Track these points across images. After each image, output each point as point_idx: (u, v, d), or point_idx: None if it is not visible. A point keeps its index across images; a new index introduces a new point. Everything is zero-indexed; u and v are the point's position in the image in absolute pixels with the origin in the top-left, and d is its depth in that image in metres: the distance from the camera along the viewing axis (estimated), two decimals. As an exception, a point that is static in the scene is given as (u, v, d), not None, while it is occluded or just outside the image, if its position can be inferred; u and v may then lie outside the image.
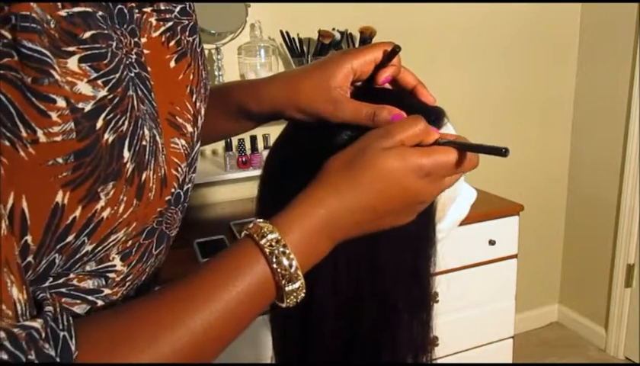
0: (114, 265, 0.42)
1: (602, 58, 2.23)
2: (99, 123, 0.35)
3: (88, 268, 0.40)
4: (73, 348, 0.32)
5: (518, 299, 1.92)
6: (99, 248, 0.39)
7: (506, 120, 2.26)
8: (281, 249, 0.39)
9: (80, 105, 0.34)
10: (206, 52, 1.70)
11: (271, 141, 1.75)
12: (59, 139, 0.33)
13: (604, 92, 2.24)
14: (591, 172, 2.35)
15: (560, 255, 2.56)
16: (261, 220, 0.40)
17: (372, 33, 1.73)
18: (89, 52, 0.35)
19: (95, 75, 0.35)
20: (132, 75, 0.41)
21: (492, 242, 1.80)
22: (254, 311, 0.40)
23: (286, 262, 0.39)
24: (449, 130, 0.53)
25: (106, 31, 0.37)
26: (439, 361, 1.83)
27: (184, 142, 0.47)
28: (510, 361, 1.98)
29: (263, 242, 0.39)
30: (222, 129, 0.62)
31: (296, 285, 0.40)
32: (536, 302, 2.53)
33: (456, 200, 0.55)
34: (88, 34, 0.35)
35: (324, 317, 0.50)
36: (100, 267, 0.41)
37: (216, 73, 1.68)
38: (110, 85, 0.36)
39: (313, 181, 0.43)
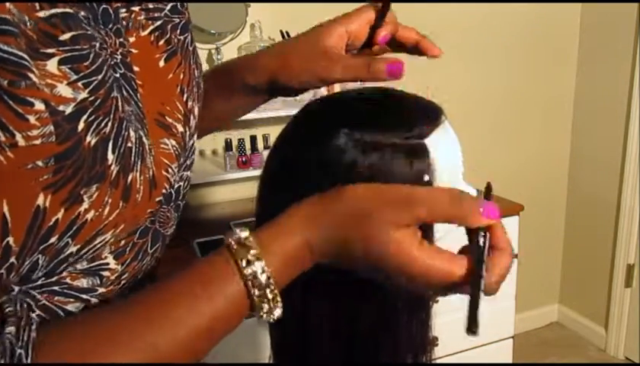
0: (107, 264, 0.42)
1: (602, 58, 2.23)
2: (80, 126, 0.35)
3: (79, 266, 0.40)
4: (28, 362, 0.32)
5: (518, 299, 1.92)
6: (85, 249, 0.39)
7: (506, 119, 2.26)
8: (263, 280, 0.37)
9: (60, 108, 0.33)
10: (206, 52, 1.71)
11: (271, 141, 1.75)
12: (38, 142, 0.32)
13: (604, 92, 2.24)
14: (591, 172, 2.35)
15: (560, 255, 2.56)
16: (248, 237, 0.38)
17: (372, 33, 1.73)
18: (69, 54, 0.34)
19: (75, 77, 0.35)
20: (117, 75, 0.41)
21: (492, 242, 1.80)
22: (227, 331, 0.39)
23: (265, 289, 0.38)
24: (447, 128, 0.53)
25: (89, 32, 0.36)
26: (439, 361, 1.83)
27: (174, 142, 0.47)
28: (510, 361, 1.98)
29: (247, 272, 0.37)
30: (224, 108, 0.61)
31: (276, 313, 0.39)
32: (536, 302, 2.53)
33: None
34: (67, 35, 0.34)
35: (322, 317, 0.50)
36: (92, 265, 0.41)
37: (216, 73, 1.68)
38: (92, 86, 0.36)
39: (317, 198, 0.41)
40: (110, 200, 0.38)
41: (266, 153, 1.74)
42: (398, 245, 0.38)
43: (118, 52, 0.42)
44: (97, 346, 0.34)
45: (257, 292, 0.37)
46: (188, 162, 0.51)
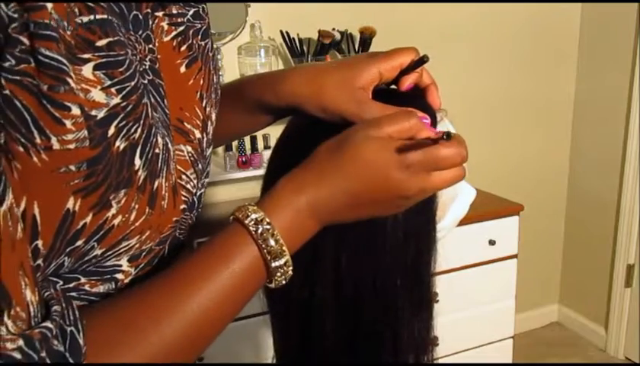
0: (120, 265, 0.42)
1: (602, 58, 2.23)
2: (111, 131, 0.35)
3: (93, 267, 0.40)
4: (81, 341, 0.32)
5: (518, 299, 1.92)
6: (109, 252, 0.39)
7: (506, 119, 2.26)
8: (266, 227, 0.40)
9: (93, 112, 0.34)
10: (206, 52, 1.70)
11: (271, 141, 1.75)
12: (72, 146, 0.33)
13: (604, 92, 2.24)
14: (591, 172, 2.35)
15: (560, 255, 2.56)
16: (247, 203, 0.41)
17: (372, 33, 1.73)
18: (104, 60, 0.35)
19: (109, 82, 0.35)
20: (146, 81, 0.41)
21: (492, 242, 1.80)
22: (248, 291, 0.41)
23: (272, 241, 0.40)
24: (446, 126, 0.53)
25: (123, 38, 0.37)
26: (439, 361, 1.83)
27: (190, 148, 0.47)
28: (510, 361, 1.98)
29: (247, 221, 0.39)
30: (238, 125, 0.60)
31: (282, 261, 0.40)
32: (536, 302, 2.53)
33: (457, 198, 0.55)
34: (104, 42, 0.35)
35: (325, 317, 0.50)
36: (108, 265, 0.41)
37: (216, 73, 1.68)
38: (125, 92, 0.36)
39: (302, 163, 0.44)
40: (136, 206, 0.38)
41: (266, 153, 1.75)
42: (382, 145, 0.42)
43: (147, 59, 0.42)
44: (140, 320, 0.36)
45: (264, 244, 0.39)
46: (207, 169, 0.51)
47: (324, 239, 0.48)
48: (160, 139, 0.40)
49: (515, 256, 1.87)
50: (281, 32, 1.72)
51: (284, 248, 0.40)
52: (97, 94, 0.34)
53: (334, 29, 1.73)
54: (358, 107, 0.47)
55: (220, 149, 1.77)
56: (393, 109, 0.47)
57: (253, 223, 0.40)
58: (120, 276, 0.42)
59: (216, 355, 1.51)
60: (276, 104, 0.53)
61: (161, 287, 0.38)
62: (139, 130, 0.38)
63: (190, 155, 0.47)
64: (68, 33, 0.33)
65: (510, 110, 2.25)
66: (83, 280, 0.40)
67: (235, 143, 1.70)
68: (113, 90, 0.35)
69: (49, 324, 0.31)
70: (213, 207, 1.82)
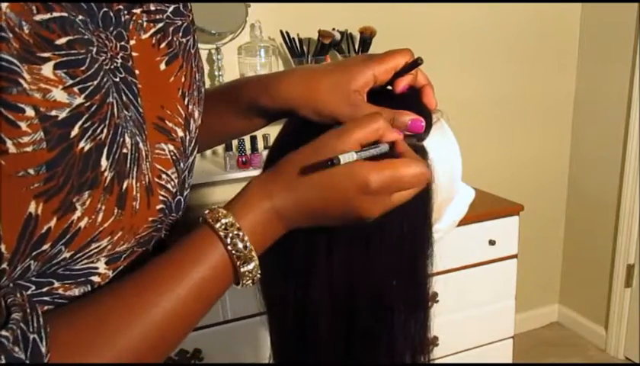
0: (97, 268, 0.41)
1: (602, 58, 2.23)
2: (74, 131, 0.34)
3: (68, 270, 0.40)
4: (44, 349, 0.32)
5: (518, 299, 1.92)
6: (78, 255, 0.39)
7: (506, 120, 2.26)
8: (235, 232, 0.40)
9: (53, 113, 0.33)
10: (206, 52, 1.70)
11: (271, 141, 1.75)
12: (29, 149, 0.32)
13: (604, 92, 2.24)
14: (591, 172, 2.35)
15: (560, 255, 2.56)
16: (217, 206, 0.42)
17: (372, 33, 1.73)
18: (65, 59, 0.34)
19: (71, 81, 0.34)
20: (117, 80, 0.40)
21: (492, 242, 1.80)
22: (216, 293, 0.42)
23: (240, 244, 0.40)
24: (444, 130, 0.53)
25: (86, 36, 0.36)
26: (439, 361, 1.84)
27: (172, 147, 0.46)
28: (510, 361, 1.98)
29: (218, 226, 0.40)
30: (232, 127, 0.60)
31: (251, 266, 0.41)
32: (536, 302, 2.53)
33: (454, 200, 0.55)
34: (64, 40, 0.34)
35: (320, 318, 0.50)
36: (82, 268, 0.41)
37: (216, 73, 1.68)
38: (88, 92, 0.35)
39: (271, 168, 0.45)
40: (103, 207, 0.38)
41: (266, 153, 1.75)
42: (347, 169, 0.42)
43: (119, 56, 0.41)
44: (108, 322, 0.36)
45: (232, 246, 0.40)
46: (189, 166, 0.50)
47: (318, 240, 0.48)
48: (128, 139, 0.40)
49: (515, 256, 1.87)
50: (281, 32, 1.72)
51: (253, 252, 0.41)
52: (58, 94, 0.33)
53: (334, 29, 1.73)
54: (352, 110, 0.47)
55: (220, 149, 1.77)
56: (388, 111, 0.47)
57: (223, 227, 0.40)
58: (96, 279, 0.41)
59: (215, 355, 1.51)
60: (271, 107, 0.53)
61: (129, 289, 0.39)
62: (105, 130, 0.37)
63: (172, 153, 0.46)
64: (26, 31, 0.32)
65: (510, 110, 2.25)
66: (56, 284, 0.39)
67: (235, 143, 1.70)
68: (75, 89, 0.34)
69: (3, 332, 0.30)
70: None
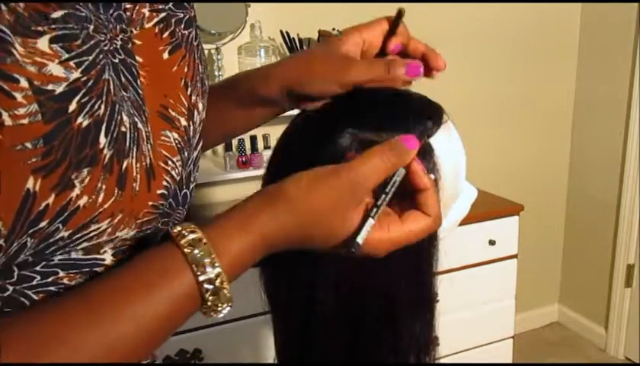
0: (104, 259, 0.41)
1: (602, 58, 2.23)
2: (72, 106, 0.34)
3: (74, 255, 0.40)
4: None
5: (518, 299, 1.92)
6: (77, 235, 0.38)
7: (506, 120, 2.26)
8: (217, 283, 0.38)
9: (50, 87, 0.33)
10: (206, 52, 1.70)
11: (271, 141, 1.75)
12: (25, 121, 0.32)
13: (604, 92, 2.24)
14: (591, 172, 2.35)
15: (560, 255, 2.56)
16: (199, 238, 0.38)
17: (373, 33, 1.73)
18: (60, 33, 0.34)
19: (67, 55, 0.34)
20: (117, 61, 0.40)
21: (492, 242, 1.80)
22: (174, 328, 0.39)
23: (218, 287, 0.38)
24: (450, 128, 0.53)
25: (82, 13, 0.36)
26: (439, 361, 1.83)
27: (176, 135, 0.46)
28: (510, 361, 1.98)
29: (200, 276, 0.37)
30: (235, 121, 0.60)
31: (225, 311, 0.39)
32: (536, 302, 2.53)
33: (458, 198, 0.55)
34: (59, 13, 0.34)
35: (326, 317, 0.50)
36: (88, 258, 0.40)
37: (216, 73, 1.68)
38: (84, 66, 0.35)
39: (270, 193, 0.42)
40: (103, 187, 0.37)
41: (266, 153, 1.75)
42: (353, 227, 0.42)
43: (118, 38, 0.41)
44: (46, 346, 0.34)
45: (210, 297, 0.38)
46: (194, 159, 0.51)
47: None
48: (126, 118, 0.39)
49: (515, 256, 1.87)
50: (281, 32, 1.72)
51: (229, 295, 0.39)
52: (55, 68, 0.33)
53: (334, 29, 1.73)
54: (347, 65, 0.48)
55: (220, 149, 1.77)
56: (379, 61, 0.48)
57: (206, 279, 0.37)
58: (99, 270, 0.41)
59: (215, 355, 1.51)
60: (268, 93, 0.54)
61: (80, 304, 0.36)
62: (103, 106, 0.37)
63: (176, 142, 0.46)
64: (21, 5, 0.32)
65: (510, 110, 2.25)
66: (61, 274, 0.39)
67: (234, 143, 1.69)
68: (72, 63, 0.34)
69: None
70: (213, 207, 1.82)
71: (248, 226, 0.40)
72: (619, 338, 2.30)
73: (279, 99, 0.54)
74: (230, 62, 1.72)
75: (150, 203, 0.43)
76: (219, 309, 0.39)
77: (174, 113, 0.46)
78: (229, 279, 0.39)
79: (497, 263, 1.84)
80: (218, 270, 0.38)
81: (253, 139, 1.71)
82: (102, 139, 0.36)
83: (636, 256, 2.21)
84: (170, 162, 0.45)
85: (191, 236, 0.38)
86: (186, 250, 0.37)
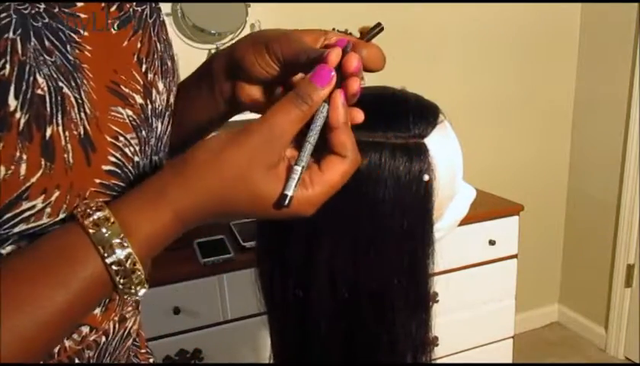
0: None
1: (602, 58, 2.23)
2: None
3: (23, 244, 0.38)
4: None
5: (518, 299, 1.92)
6: (9, 214, 0.36)
7: (506, 120, 2.26)
8: (128, 265, 0.36)
9: None
10: (206, 52, 1.70)
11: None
12: None
13: (604, 92, 2.24)
14: (591, 172, 2.35)
15: (560, 255, 2.56)
16: (106, 217, 0.36)
17: (372, 33, 1.73)
18: None
19: None
20: (39, 25, 0.38)
21: (492, 242, 1.80)
22: (86, 312, 0.38)
23: (129, 269, 0.36)
24: (446, 128, 0.53)
25: None
26: (439, 361, 1.84)
27: (130, 112, 0.44)
28: (510, 361, 1.98)
29: (107, 258, 0.35)
30: (211, 108, 0.55)
31: (141, 292, 0.38)
32: (536, 302, 2.53)
33: (455, 199, 0.55)
34: None
35: (320, 318, 0.50)
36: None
37: (216, 73, 1.68)
38: None
39: (180, 163, 0.39)
40: (24, 156, 0.35)
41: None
42: (279, 183, 0.38)
43: (41, 3, 0.39)
44: None
45: (121, 280, 0.36)
46: (162, 144, 0.49)
47: (318, 240, 0.48)
48: (42, 80, 0.37)
49: (515, 256, 1.87)
50: (281, 32, 1.72)
51: (143, 277, 0.37)
52: None
53: (334, 29, 1.73)
54: (289, 39, 0.44)
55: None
56: (313, 31, 0.44)
57: (114, 260, 0.35)
58: None
59: (215, 355, 1.51)
60: (220, 67, 0.51)
61: None
62: (8, 66, 0.34)
63: (130, 118, 0.44)
64: None
65: (510, 110, 2.25)
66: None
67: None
68: None
69: None
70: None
71: (159, 202, 0.37)
72: (619, 338, 2.30)
73: (230, 70, 0.51)
74: (230, 62, 1.72)
75: (97, 180, 0.41)
76: (132, 291, 0.37)
77: (127, 90, 0.44)
78: (142, 260, 0.36)
79: (497, 263, 1.84)
80: (128, 251, 0.35)
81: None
82: (12, 102, 0.34)
83: (636, 256, 2.21)
84: (122, 138, 0.43)
85: (97, 215, 0.35)
86: (90, 230, 0.35)
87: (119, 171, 0.42)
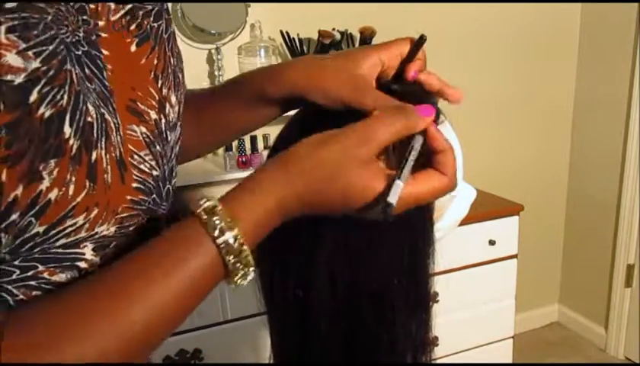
0: (83, 254, 0.41)
1: (602, 58, 2.23)
2: (33, 97, 0.34)
3: (53, 251, 0.39)
4: None
5: (518, 299, 1.92)
6: (53, 231, 0.38)
7: (506, 120, 2.26)
8: (235, 244, 0.38)
9: (8, 77, 0.33)
10: (206, 52, 1.71)
11: (271, 141, 1.75)
12: None
13: (604, 92, 2.24)
14: (591, 172, 2.35)
15: (560, 255, 2.56)
16: (218, 207, 0.39)
17: (373, 33, 1.73)
18: (17, 22, 0.33)
19: (24, 45, 0.34)
20: (80, 53, 0.40)
21: (492, 242, 1.80)
22: (201, 297, 0.40)
23: (233, 243, 0.38)
24: (446, 128, 0.53)
25: (40, 4, 0.36)
26: (439, 361, 1.84)
27: (144, 129, 0.46)
28: (510, 361, 1.98)
29: (220, 241, 0.38)
30: (239, 120, 0.59)
31: (249, 277, 0.40)
32: (536, 302, 2.53)
33: (455, 199, 0.55)
34: (14, 3, 0.34)
35: (321, 318, 0.50)
36: (67, 252, 0.40)
37: (216, 73, 1.68)
38: (44, 56, 0.35)
39: (281, 160, 0.42)
40: (73, 178, 0.37)
41: (266, 153, 1.74)
42: (372, 179, 0.41)
43: (80, 30, 0.41)
44: (72, 324, 0.34)
45: (231, 259, 0.38)
46: (175, 154, 0.50)
47: (318, 240, 0.48)
48: (92, 108, 0.39)
49: (515, 256, 1.87)
50: (281, 32, 1.72)
51: (249, 258, 0.39)
52: (12, 59, 0.33)
53: (334, 29, 1.73)
54: (358, 93, 0.47)
55: (220, 149, 1.77)
56: (394, 100, 0.47)
57: (218, 231, 0.38)
58: (82, 264, 0.41)
59: (215, 355, 1.51)
60: (277, 94, 0.53)
61: (105, 289, 0.36)
62: (66, 96, 0.36)
63: (144, 135, 0.46)
64: None
65: (510, 110, 2.25)
66: (41, 268, 0.39)
67: (234, 143, 1.69)
68: (30, 53, 0.34)
69: None
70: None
71: (263, 191, 0.40)
72: (619, 338, 2.30)
73: (284, 101, 0.54)
74: (230, 62, 1.72)
75: (128, 197, 0.43)
76: (242, 272, 0.39)
77: (143, 107, 0.46)
78: (249, 243, 0.39)
79: (497, 263, 1.84)
80: (235, 232, 0.38)
81: (253, 139, 1.71)
82: (67, 129, 0.36)
83: (636, 256, 2.21)
84: (136, 157, 0.45)
85: (207, 204, 0.39)
86: (203, 217, 0.38)
87: (143, 187, 0.45)
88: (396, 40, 0.51)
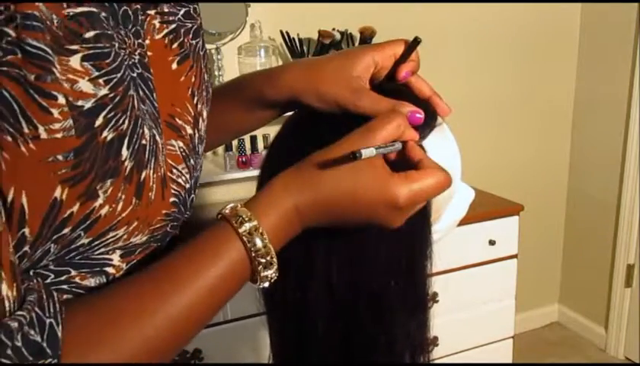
0: (111, 259, 0.42)
1: (602, 58, 2.23)
2: (98, 121, 0.36)
3: (82, 259, 0.41)
4: (60, 334, 0.32)
5: (518, 299, 1.92)
6: (96, 242, 0.40)
7: (506, 120, 2.26)
8: (258, 238, 0.40)
9: (79, 103, 0.35)
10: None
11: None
12: (59, 135, 0.33)
13: (604, 92, 2.24)
14: (591, 172, 2.35)
15: (560, 255, 2.56)
16: (239, 205, 0.42)
17: (373, 33, 1.73)
18: (92, 51, 0.35)
19: (97, 73, 0.36)
20: (135, 75, 0.42)
21: (492, 242, 1.80)
22: (232, 291, 0.42)
23: (259, 241, 0.40)
24: (444, 130, 0.53)
25: (109, 32, 0.38)
26: (439, 361, 1.84)
27: (181, 144, 0.47)
28: (510, 361, 1.98)
29: (242, 230, 0.40)
30: (238, 121, 0.61)
31: (272, 271, 0.42)
32: (536, 302, 2.53)
33: (453, 200, 0.55)
34: (91, 34, 0.36)
35: (319, 318, 0.50)
36: (97, 257, 0.41)
37: (216, 73, 1.68)
38: (112, 83, 0.37)
39: (295, 167, 0.44)
40: (123, 196, 0.39)
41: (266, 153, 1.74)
42: (377, 181, 0.43)
43: (136, 53, 0.43)
44: (122, 317, 0.36)
45: (254, 248, 0.40)
46: (197, 166, 0.52)
47: (316, 241, 0.48)
48: (147, 131, 0.41)
49: (515, 256, 1.87)
50: (281, 32, 1.72)
51: (269, 246, 0.41)
52: (84, 85, 0.35)
53: (334, 29, 1.73)
54: (354, 96, 0.49)
55: (220, 149, 1.77)
56: (387, 100, 0.48)
57: (247, 232, 0.40)
58: (110, 270, 0.42)
59: (215, 355, 1.51)
60: (275, 97, 0.54)
61: (144, 284, 0.39)
62: (127, 121, 0.38)
63: (181, 150, 0.47)
64: (56, 24, 0.33)
65: (510, 110, 2.26)
66: (73, 272, 0.40)
67: (234, 143, 1.70)
68: (100, 81, 0.36)
69: (21, 312, 0.31)
70: (213, 207, 1.82)
71: (283, 195, 0.42)
72: (619, 338, 2.30)
73: (283, 104, 0.55)
74: (230, 62, 1.72)
75: (164, 211, 0.45)
76: (264, 261, 0.41)
77: (180, 122, 0.47)
78: (270, 236, 0.41)
79: (497, 263, 1.84)
80: (254, 223, 0.40)
81: (253, 139, 1.71)
82: (124, 152, 0.38)
83: (636, 256, 2.21)
84: (175, 171, 0.47)
85: (229, 206, 0.41)
86: (227, 213, 0.41)
87: (177, 200, 0.46)
88: (391, 41, 0.52)
